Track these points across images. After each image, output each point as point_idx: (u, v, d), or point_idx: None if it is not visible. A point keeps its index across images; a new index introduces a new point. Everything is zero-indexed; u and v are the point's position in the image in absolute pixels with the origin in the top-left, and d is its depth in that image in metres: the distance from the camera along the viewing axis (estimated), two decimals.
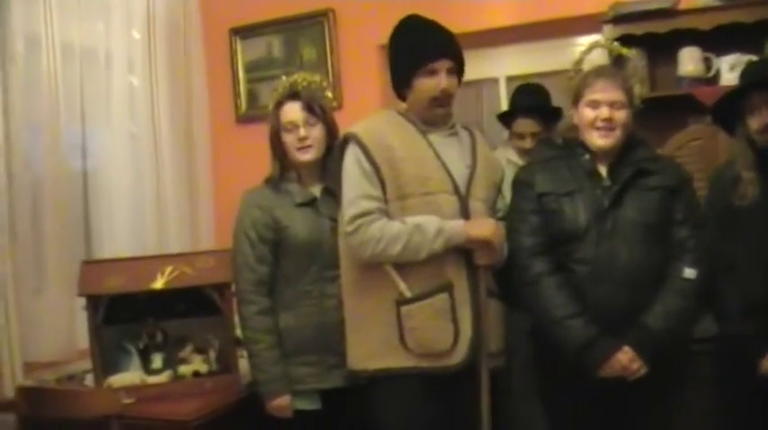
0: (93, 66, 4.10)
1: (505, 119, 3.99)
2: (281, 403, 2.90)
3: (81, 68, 4.01)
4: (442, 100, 2.75)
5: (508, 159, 3.76)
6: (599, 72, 2.83)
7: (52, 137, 3.74)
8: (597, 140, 2.77)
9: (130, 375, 3.25)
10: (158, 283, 3.18)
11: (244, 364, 3.20)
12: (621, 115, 2.75)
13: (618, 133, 2.76)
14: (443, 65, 2.72)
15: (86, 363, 3.42)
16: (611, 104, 2.74)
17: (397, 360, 2.70)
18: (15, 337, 3.48)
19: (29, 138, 3.67)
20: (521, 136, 3.85)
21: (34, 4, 3.70)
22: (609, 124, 2.74)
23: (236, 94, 4.80)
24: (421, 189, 2.70)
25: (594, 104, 2.76)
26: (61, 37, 3.80)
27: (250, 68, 4.78)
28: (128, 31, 4.29)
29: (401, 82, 2.81)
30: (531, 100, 3.88)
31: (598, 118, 2.75)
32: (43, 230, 3.68)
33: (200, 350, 3.35)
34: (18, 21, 3.61)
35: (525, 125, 3.84)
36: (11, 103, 3.56)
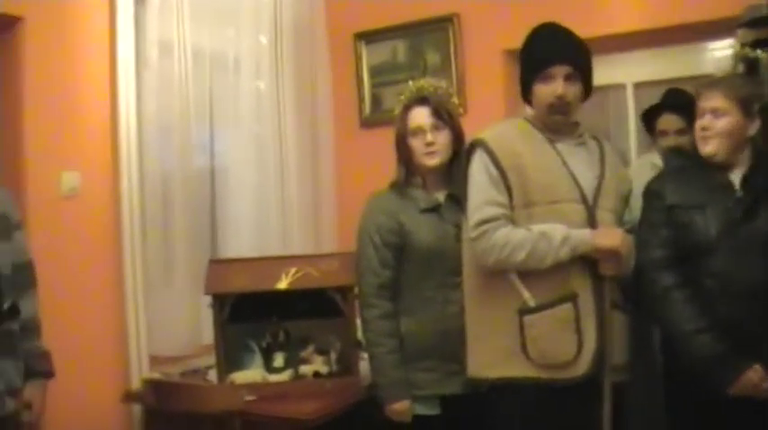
0: (222, 70, 4.21)
1: (648, 118, 3.88)
2: (401, 407, 2.90)
3: (210, 73, 4.13)
4: (560, 107, 2.70)
5: (653, 164, 3.65)
6: (709, 79, 2.76)
7: (182, 138, 3.86)
8: (700, 149, 2.71)
9: (252, 373, 3.31)
10: (282, 284, 3.24)
11: (364, 366, 3.23)
12: (721, 123, 2.66)
13: (716, 141, 2.68)
14: (560, 71, 2.68)
15: (210, 359, 3.51)
16: (713, 112, 2.67)
17: (517, 369, 2.66)
18: (143, 332, 3.60)
19: (160, 140, 3.80)
20: (664, 133, 3.73)
21: (168, 11, 3.83)
22: (705, 132, 2.68)
23: (361, 99, 4.83)
24: (548, 197, 2.66)
25: (700, 112, 2.70)
26: (192, 43, 3.92)
27: (374, 73, 4.81)
28: (255, 37, 4.38)
29: (524, 88, 2.79)
30: (678, 97, 3.77)
31: (700, 126, 2.69)
32: (172, 229, 3.80)
33: (322, 351, 3.39)
34: (153, 28, 3.76)
35: (669, 121, 3.71)
36: (144, 105, 3.70)
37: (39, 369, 2.78)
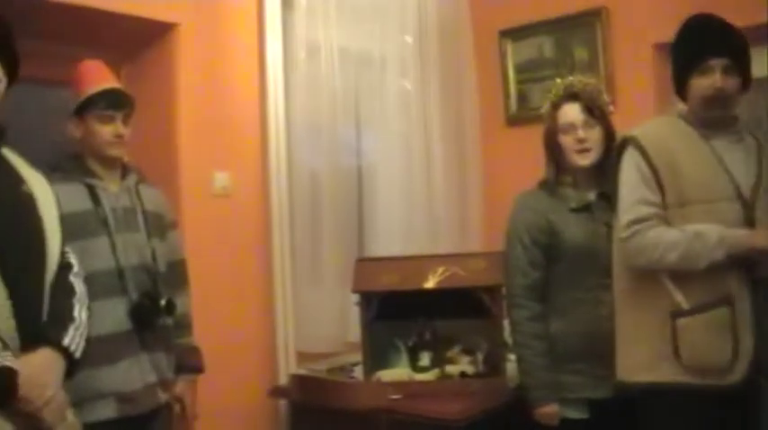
0: (368, 70, 4.24)
1: None
2: (549, 410, 2.84)
3: (357, 72, 4.16)
4: (719, 100, 2.59)
5: None
6: None
7: (329, 138, 3.91)
8: None
9: (398, 371, 3.31)
10: (430, 283, 3.22)
11: (510, 367, 3.18)
12: None
13: None
14: (718, 63, 2.56)
15: (355, 356, 3.54)
16: None
17: (669, 374, 2.56)
18: (291, 328, 3.66)
19: (308, 140, 3.85)
20: None
21: (314, 13, 3.88)
22: None
23: (506, 96, 4.76)
24: (702, 196, 2.55)
25: None
26: (339, 43, 3.96)
27: (520, 70, 4.74)
28: (401, 36, 4.38)
29: (679, 83, 2.68)
30: None
31: None
32: (320, 227, 3.84)
33: (468, 351, 3.35)
34: (300, 29, 3.82)
35: None
36: (292, 106, 3.77)
37: (189, 364, 2.88)
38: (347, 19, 4.03)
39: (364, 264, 3.43)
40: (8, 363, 1.84)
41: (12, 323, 1.92)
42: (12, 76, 2.11)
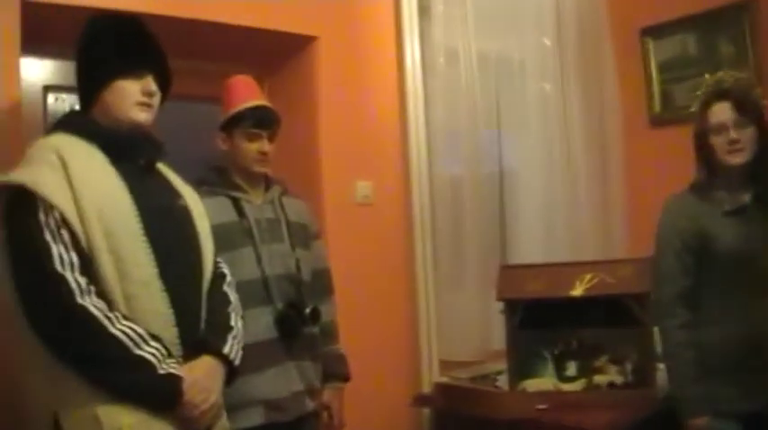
0: (508, 74, 4.19)
1: None
2: (701, 423, 2.71)
3: (496, 77, 4.11)
4: None
5: None
6: None
7: (470, 144, 3.88)
8: None
9: (544, 381, 3.25)
10: (577, 291, 3.15)
11: (660, 377, 3.07)
12: None
13: None
14: None
15: (498, 365, 3.50)
16: None
17: None
18: (434, 336, 3.65)
19: (448, 146, 3.84)
20: None
21: (451, 19, 3.86)
22: None
23: (650, 96, 4.61)
24: None
25: None
26: (477, 48, 3.93)
27: (663, 68, 4.58)
28: (539, 39, 4.32)
29: None
30: None
31: None
32: (462, 232, 3.81)
33: (616, 360, 3.25)
34: (438, 36, 3.81)
35: None
36: (432, 113, 3.76)
37: (336, 372, 2.90)
38: (484, 23, 3.99)
39: (509, 271, 3.38)
40: (173, 370, 1.92)
41: (174, 331, 2.01)
42: (165, 92, 2.20)
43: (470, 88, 3.87)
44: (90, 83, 2.15)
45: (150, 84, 2.14)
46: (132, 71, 2.12)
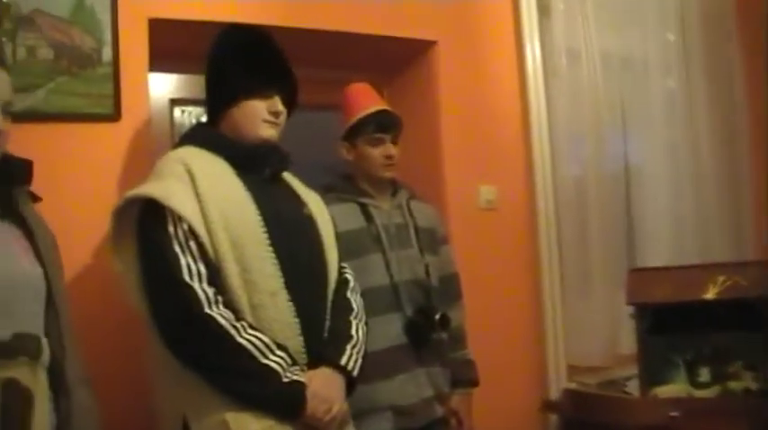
0: (631, 72, 4.09)
1: None
2: None
3: (620, 75, 4.02)
4: None
5: None
6: None
7: (595, 145, 3.80)
8: None
9: (676, 387, 3.15)
10: (710, 294, 3.05)
11: None
12: None
13: None
14: None
15: (627, 370, 3.43)
16: None
17: None
18: (561, 341, 3.60)
19: (572, 148, 3.78)
20: None
21: (572, 18, 3.80)
22: None
23: None
24: None
25: None
26: (599, 47, 3.85)
27: None
28: (663, 35, 4.20)
29: None
30: None
31: None
32: (588, 237, 3.74)
33: (751, 366, 3.14)
34: (559, 36, 3.75)
35: None
36: (554, 115, 3.71)
37: (464, 377, 2.88)
38: (605, 21, 3.91)
39: (638, 274, 3.30)
40: (296, 378, 1.95)
41: (300, 340, 2.03)
42: (291, 109, 2.25)
43: (593, 88, 3.80)
44: (218, 99, 2.21)
45: (277, 104, 2.19)
46: (260, 91, 2.18)
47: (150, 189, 2.02)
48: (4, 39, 2.47)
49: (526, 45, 3.63)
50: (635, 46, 4.12)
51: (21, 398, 1.61)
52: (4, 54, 2.42)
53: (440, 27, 3.43)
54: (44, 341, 1.72)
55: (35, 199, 1.98)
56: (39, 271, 1.85)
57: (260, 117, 2.17)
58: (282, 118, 2.22)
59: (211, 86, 2.23)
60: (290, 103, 2.25)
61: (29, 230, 1.89)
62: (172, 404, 2.03)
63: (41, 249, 1.88)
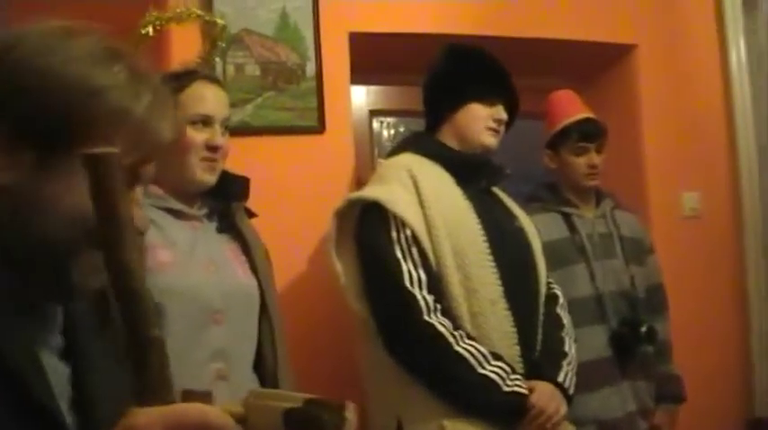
0: None
1: None
2: None
3: None
4: None
5: None
6: None
7: None
8: None
9: None
10: None
11: None
12: None
13: None
14: None
15: None
16: None
17: None
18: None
19: None
20: None
21: None
22: None
23: None
24: None
25: None
26: None
27: None
28: None
29: None
30: None
31: None
32: None
33: None
34: (765, 32, 3.54)
35: None
36: (760, 116, 3.50)
37: (670, 393, 2.79)
38: None
39: None
40: (517, 389, 1.94)
41: (517, 349, 2.05)
42: (510, 119, 2.26)
43: None
44: (444, 104, 2.25)
45: (501, 112, 2.23)
46: (486, 97, 2.22)
47: (375, 192, 2.07)
48: (216, 58, 2.58)
49: (730, 44, 3.46)
50: None
51: None
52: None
53: (640, 30, 3.34)
54: None
55: (251, 215, 2.06)
56: (254, 283, 1.93)
57: (484, 123, 2.22)
58: (503, 127, 2.24)
59: (435, 93, 2.28)
60: (510, 115, 2.27)
61: (245, 244, 1.97)
62: (386, 406, 2.09)
63: (257, 262, 1.96)
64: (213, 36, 2.44)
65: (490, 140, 2.22)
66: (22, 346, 0.85)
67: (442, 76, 2.28)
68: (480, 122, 2.21)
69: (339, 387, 2.44)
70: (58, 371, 0.91)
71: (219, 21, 2.50)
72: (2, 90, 0.86)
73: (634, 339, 2.57)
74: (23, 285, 0.89)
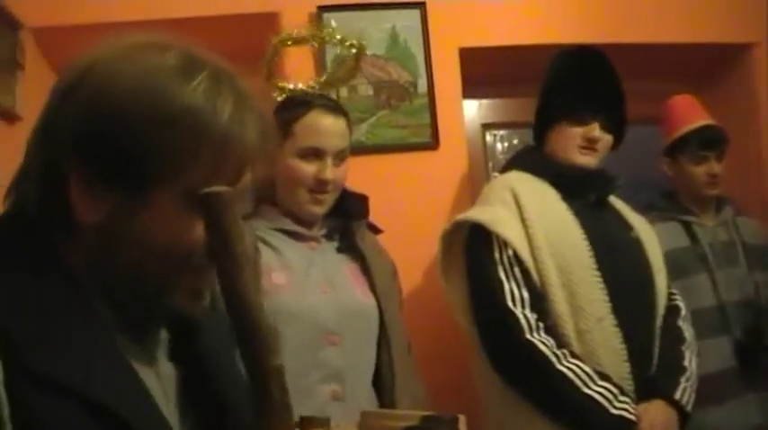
0: None
1: None
2: None
3: None
4: None
5: None
6: None
7: None
8: None
9: None
10: None
11: None
12: None
13: None
14: None
15: None
16: None
17: None
18: None
19: None
20: None
21: None
22: None
23: None
24: None
25: None
26: None
27: None
28: None
29: None
30: None
31: None
32: None
33: None
34: None
35: None
36: None
37: None
38: None
39: None
40: (625, 414, 1.90)
41: (626, 367, 2.00)
42: (619, 132, 2.22)
43: None
44: (541, 121, 2.23)
45: (593, 130, 2.16)
46: (578, 115, 2.16)
47: (477, 214, 2.08)
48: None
49: None
50: None
51: None
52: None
53: (758, 28, 3.21)
54: None
55: (377, 231, 2.09)
56: (372, 302, 1.95)
57: (574, 142, 2.17)
58: (601, 144, 2.18)
59: (538, 108, 2.26)
60: (618, 128, 2.22)
61: (365, 263, 1.99)
62: (494, 421, 2.09)
63: (376, 281, 1.98)
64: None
65: (582, 160, 2.17)
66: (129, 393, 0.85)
67: (543, 91, 2.25)
68: (571, 142, 2.16)
69: (456, 396, 2.46)
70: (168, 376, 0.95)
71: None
72: (77, 131, 0.85)
73: (759, 350, 2.49)
74: (124, 318, 0.90)
